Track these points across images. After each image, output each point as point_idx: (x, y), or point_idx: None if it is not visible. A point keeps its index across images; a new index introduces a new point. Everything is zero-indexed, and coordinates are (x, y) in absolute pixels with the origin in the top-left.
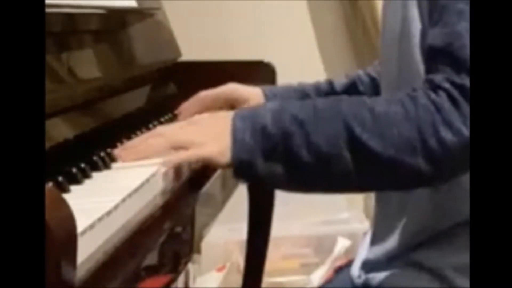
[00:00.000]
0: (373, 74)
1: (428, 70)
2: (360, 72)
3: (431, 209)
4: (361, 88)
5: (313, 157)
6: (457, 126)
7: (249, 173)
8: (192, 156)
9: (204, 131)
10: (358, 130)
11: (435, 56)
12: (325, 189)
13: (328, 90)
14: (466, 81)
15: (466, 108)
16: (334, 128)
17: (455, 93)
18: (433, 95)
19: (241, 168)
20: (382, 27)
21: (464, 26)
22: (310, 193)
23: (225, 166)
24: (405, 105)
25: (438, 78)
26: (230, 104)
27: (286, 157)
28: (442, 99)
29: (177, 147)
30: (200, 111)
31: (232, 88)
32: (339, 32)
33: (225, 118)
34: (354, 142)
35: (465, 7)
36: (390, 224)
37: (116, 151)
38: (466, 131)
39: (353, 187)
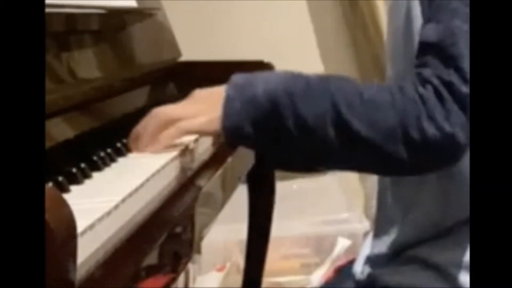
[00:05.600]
0: None
1: (418, 64)
2: None
3: (440, 205)
4: None
5: (299, 128)
6: (440, 120)
7: (238, 138)
8: (179, 129)
9: (198, 105)
10: (344, 109)
11: (426, 50)
12: (308, 162)
13: None
14: (453, 78)
15: (451, 104)
16: (323, 104)
17: (442, 88)
18: (420, 88)
19: (230, 133)
20: (387, 29)
21: (457, 24)
22: (296, 163)
23: (212, 134)
24: (393, 94)
25: (427, 72)
26: None
27: (273, 125)
28: (429, 93)
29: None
30: None
31: None
32: (339, 32)
33: (220, 90)
34: (339, 121)
35: (460, 6)
36: (395, 219)
37: (129, 139)
38: (448, 127)
39: (332, 163)
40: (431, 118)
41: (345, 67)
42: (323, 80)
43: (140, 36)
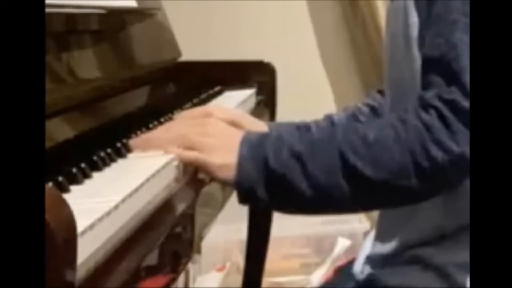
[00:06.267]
0: (372, 103)
1: (422, 85)
2: (359, 104)
3: (443, 210)
4: (362, 118)
5: (312, 189)
6: (447, 144)
7: (251, 200)
8: (198, 160)
9: (214, 139)
10: (352, 158)
11: (429, 67)
12: (325, 214)
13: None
14: (456, 95)
15: (455, 124)
16: (330, 158)
17: (445, 110)
18: (423, 114)
19: (243, 194)
20: (385, 31)
21: (457, 37)
22: (310, 214)
23: (220, 181)
24: (396, 128)
25: (428, 95)
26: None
27: (286, 190)
28: (432, 118)
29: (188, 148)
30: None
31: (241, 116)
32: (339, 32)
33: (235, 136)
34: (349, 171)
35: (460, 17)
36: (398, 223)
37: (131, 141)
38: (456, 148)
39: (352, 211)
40: (438, 143)
41: (345, 67)
42: (326, 133)
43: (140, 36)
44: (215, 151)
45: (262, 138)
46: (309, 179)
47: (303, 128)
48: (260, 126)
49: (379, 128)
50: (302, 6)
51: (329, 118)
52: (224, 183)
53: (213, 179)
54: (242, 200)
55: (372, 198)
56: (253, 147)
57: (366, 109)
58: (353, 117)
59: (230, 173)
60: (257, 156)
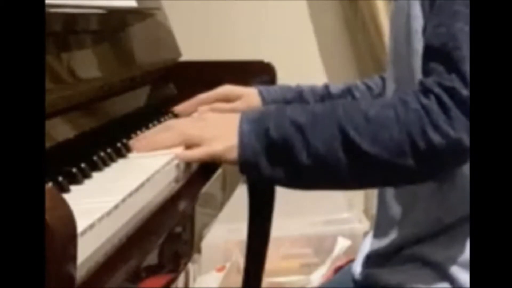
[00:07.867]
0: (370, 84)
1: (423, 71)
2: (357, 81)
3: (439, 201)
4: (356, 94)
5: (312, 159)
6: (444, 129)
7: (254, 173)
8: (203, 154)
9: (213, 129)
10: (352, 133)
11: (430, 55)
12: (323, 187)
13: (324, 93)
14: (455, 83)
15: (454, 110)
16: (330, 131)
17: (444, 96)
18: (423, 99)
19: (246, 168)
20: (389, 30)
21: (459, 28)
22: (310, 190)
23: (230, 163)
24: (397, 109)
25: (429, 81)
26: (226, 101)
27: (287, 160)
28: (431, 103)
29: (188, 143)
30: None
31: (228, 89)
32: (339, 32)
33: (233, 118)
34: (348, 145)
35: (461, 8)
36: (396, 217)
37: (131, 142)
38: (452, 133)
39: (349, 186)
40: (436, 127)
41: (345, 67)
42: (328, 107)
43: (140, 36)
44: (217, 139)
45: (261, 112)
46: (309, 149)
47: (295, 92)
48: (250, 91)
49: (380, 107)
50: (302, 6)
51: (325, 87)
52: (233, 164)
53: (224, 163)
54: (243, 172)
55: (368, 174)
56: (253, 122)
57: (363, 87)
58: (348, 91)
59: (235, 153)
60: (258, 129)
